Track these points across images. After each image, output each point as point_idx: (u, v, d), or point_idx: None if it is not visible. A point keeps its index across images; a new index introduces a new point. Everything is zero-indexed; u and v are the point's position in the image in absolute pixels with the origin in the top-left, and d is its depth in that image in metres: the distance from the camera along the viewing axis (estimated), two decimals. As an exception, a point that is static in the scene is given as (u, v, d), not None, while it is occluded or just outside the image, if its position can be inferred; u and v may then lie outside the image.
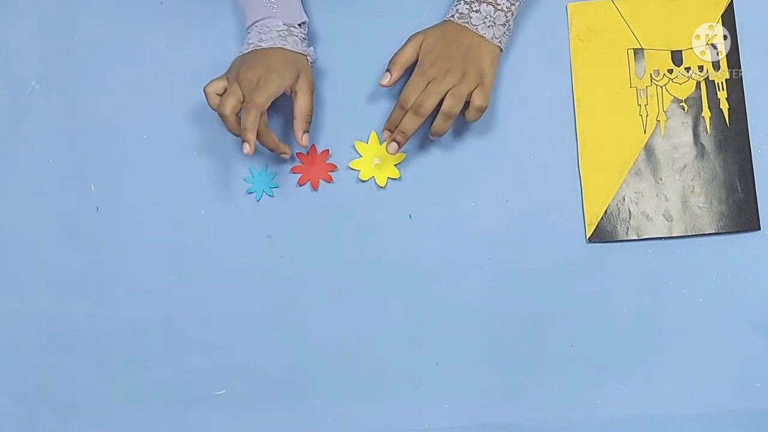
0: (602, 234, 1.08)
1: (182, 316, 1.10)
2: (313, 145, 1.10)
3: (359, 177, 1.09)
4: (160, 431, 1.09)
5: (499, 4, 1.05)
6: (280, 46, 1.04)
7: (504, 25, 1.06)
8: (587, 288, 1.08)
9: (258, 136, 1.02)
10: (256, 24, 1.06)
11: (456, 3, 1.07)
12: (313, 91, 1.06)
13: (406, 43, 1.07)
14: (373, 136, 1.09)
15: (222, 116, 1.01)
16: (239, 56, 1.05)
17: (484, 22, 1.05)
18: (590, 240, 1.08)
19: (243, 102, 1.01)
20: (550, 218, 1.09)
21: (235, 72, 1.03)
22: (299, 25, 1.07)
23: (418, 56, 1.06)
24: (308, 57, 1.07)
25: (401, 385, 1.08)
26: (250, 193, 1.10)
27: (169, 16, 1.13)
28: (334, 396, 1.08)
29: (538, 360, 1.08)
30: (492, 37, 1.05)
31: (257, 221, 1.10)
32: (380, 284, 1.09)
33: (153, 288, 1.10)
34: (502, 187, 1.09)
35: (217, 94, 1.03)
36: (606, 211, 1.08)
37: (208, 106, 1.04)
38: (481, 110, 1.04)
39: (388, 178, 1.09)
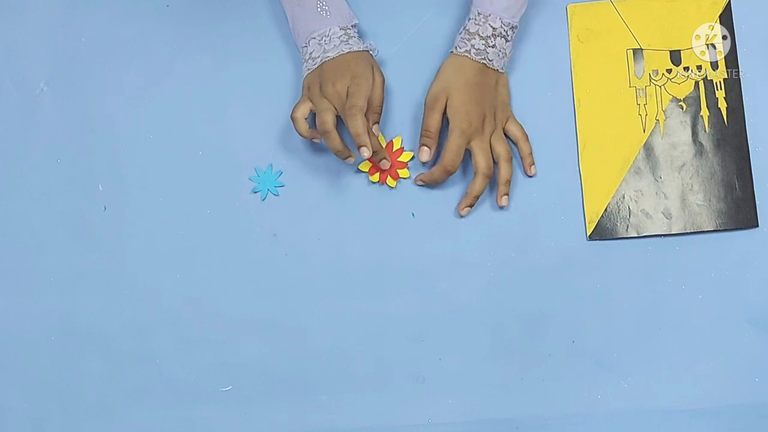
0: (602, 232, 1.09)
1: (189, 314, 1.11)
2: (391, 141, 1.10)
3: (370, 179, 1.10)
4: (167, 427, 1.10)
5: (508, 36, 1.06)
6: (346, 51, 1.04)
7: (510, 52, 1.07)
8: (588, 285, 1.09)
9: (322, 134, 1.02)
10: (314, 37, 1.05)
11: (468, 36, 1.05)
12: (384, 83, 1.07)
13: (430, 108, 1.06)
14: (398, 141, 1.10)
15: (325, 134, 1.02)
16: (310, 74, 1.06)
17: (498, 56, 1.06)
18: (590, 238, 1.09)
19: (339, 114, 1.03)
20: (550, 216, 1.10)
21: (316, 90, 1.04)
22: (352, 26, 1.07)
23: (444, 114, 1.06)
24: (372, 52, 1.08)
25: (405, 381, 1.09)
26: (255, 192, 1.11)
27: (175, 18, 1.14)
28: (339, 392, 1.09)
29: (539, 356, 1.09)
30: (502, 67, 1.07)
31: (262, 220, 1.11)
32: (384, 282, 1.10)
33: (160, 286, 1.11)
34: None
35: (306, 119, 1.05)
36: (606, 209, 1.09)
37: (295, 131, 1.05)
38: (526, 137, 1.08)
39: (396, 180, 1.10)
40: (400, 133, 1.11)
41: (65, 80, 1.14)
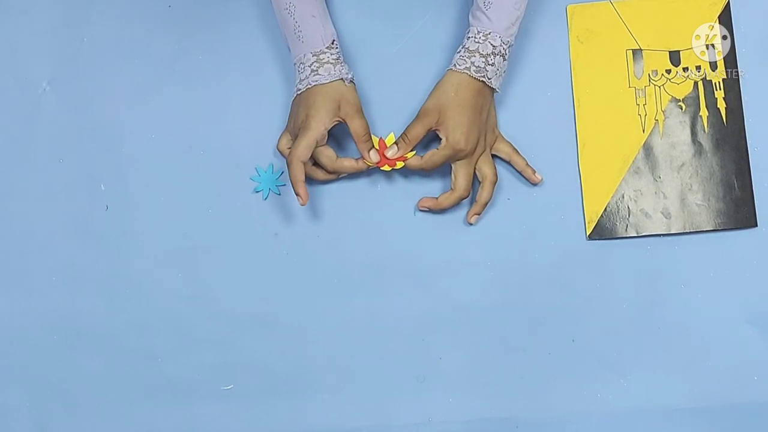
0: (602, 231, 1.10)
1: (190, 313, 1.11)
2: (381, 138, 1.09)
3: (365, 162, 1.08)
4: (168, 425, 1.10)
5: (506, 54, 1.05)
6: (313, 84, 1.04)
7: (505, 72, 1.07)
8: (587, 284, 1.09)
9: (334, 172, 1.08)
10: (295, 64, 1.06)
11: (468, 54, 1.05)
12: (361, 110, 1.06)
13: (420, 119, 1.06)
14: (391, 138, 1.10)
15: (280, 152, 1.09)
16: (292, 100, 1.08)
17: (496, 74, 1.05)
18: (590, 237, 1.10)
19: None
20: (550, 216, 1.10)
21: (288, 124, 1.08)
22: (327, 47, 1.06)
23: (430, 129, 1.06)
24: (344, 80, 1.06)
25: (405, 379, 1.10)
26: (257, 191, 1.12)
27: (177, 18, 1.14)
28: (340, 390, 1.10)
29: (539, 355, 1.09)
30: (497, 86, 1.07)
31: (264, 219, 1.11)
32: (384, 281, 1.10)
33: (162, 285, 1.11)
34: (504, 186, 1.11)
35: (289, 149, 1.07)
36: (606, 209, 1.10)
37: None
38: (516, 151, 1.09)
39: (391, 167, 1.09)
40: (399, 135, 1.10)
41: (67, 80, 1.14)
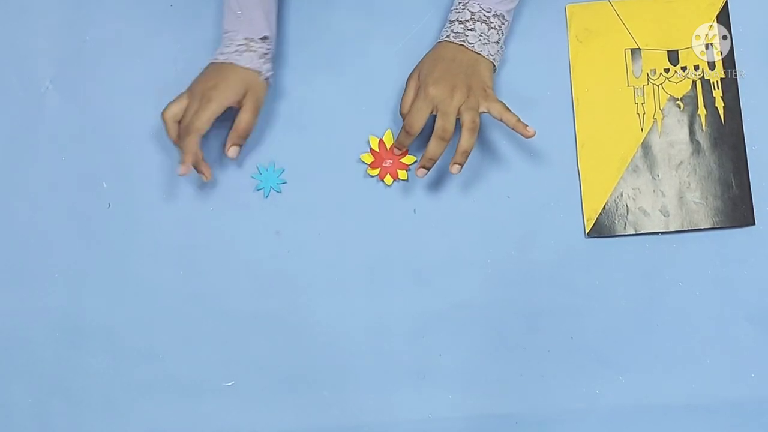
0: (601, 229, 1.10)
1: (192, 310, 1.11)
2: (381, 139, 1.11)
3: (368, 172, 1.11)
4: (170, 422, 1.11)
5: (492, 23, 1.06)
6: (232, 62, 1.05)
7: (497, 43, 1.07)
8: (586, 282, 1.10)
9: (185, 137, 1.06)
10: (223, 35, 1.07)
11: (449, 24, 1.07)
12: (258, 109, 1.07)
13: (406, 87, 1.07)
14: (388, 134, 1.11)
15: (164, 120, 1.07)
16: (208, 65, 1.08)
17: (479, 40, 1.06)
18: (589, 235, 1.10)
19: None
20: (549, 214, 1.11)
21: (193, 85, 1.07)
22: (261, 39, 1.07)
23: (417, 90, 1.06)
24: (261, 74, 1.07)
25: (406, 376, 1.10)
26: (258, 189, 1.12)
27: (179, 18, 1.15)
28: (341, 387, 1.10)
29: (538, 352, 1.10)
30: (488, 54, 1.06)
31: (265, 217, 1.12)
32: (385, 278, 1.11)
33: (163, 283, 1.12)
34: (504, 184, 1.11)
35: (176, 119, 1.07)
36: (604, 207, 1.10)
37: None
38: (507, 108, 1.04)
39: (394, 180, 1.11)
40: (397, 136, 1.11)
41: (70, 79, 1.15)
